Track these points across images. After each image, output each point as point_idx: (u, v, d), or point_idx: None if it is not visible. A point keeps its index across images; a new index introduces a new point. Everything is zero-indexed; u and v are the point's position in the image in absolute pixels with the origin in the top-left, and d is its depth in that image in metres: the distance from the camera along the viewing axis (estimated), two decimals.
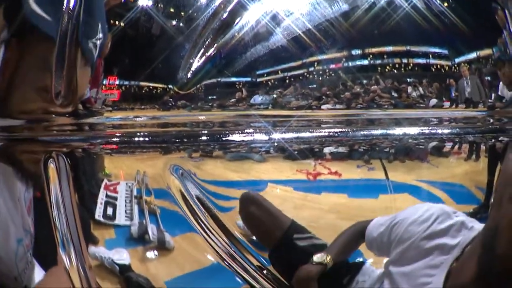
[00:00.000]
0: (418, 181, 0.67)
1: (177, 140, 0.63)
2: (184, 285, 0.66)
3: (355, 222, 0.67)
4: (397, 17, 0.64)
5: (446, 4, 0.65)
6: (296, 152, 0.64)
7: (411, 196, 0.67)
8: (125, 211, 0.65)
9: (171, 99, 0.63)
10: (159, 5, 0.63)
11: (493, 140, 0.67)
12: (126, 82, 0.63)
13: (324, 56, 0.64)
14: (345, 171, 0.65)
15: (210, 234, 0.65)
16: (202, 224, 0.65)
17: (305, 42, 0.63)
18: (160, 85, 0.63)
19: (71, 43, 0.59)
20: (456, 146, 0.67)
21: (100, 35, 0.60)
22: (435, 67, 0.66)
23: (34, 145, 0.62)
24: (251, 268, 0.66)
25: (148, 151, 0.64)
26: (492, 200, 0.66)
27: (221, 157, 0.64)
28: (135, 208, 0.66)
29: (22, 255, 0.66)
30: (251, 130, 0.63)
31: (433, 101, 0.66)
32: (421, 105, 0.66)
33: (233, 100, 0.64)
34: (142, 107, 0.63)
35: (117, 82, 0.63)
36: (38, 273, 0.67)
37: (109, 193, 0.65)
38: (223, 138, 0.63)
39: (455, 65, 0.66)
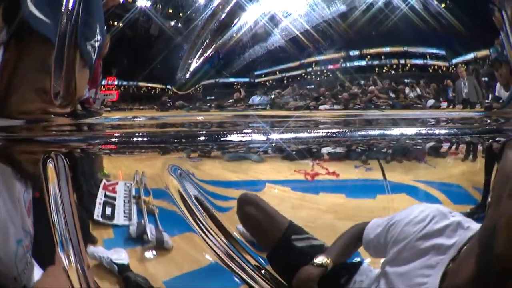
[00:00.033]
0: (416, 182, 0.67)
1: (175, 141, 0.64)
2: (183, 285, 0.67)
3: (352, 222, 0.67)
4: (394, 18, 0.64)
5: (443, 5, 0.65)
6: (294, 152, 0.64)
7: (408, 196, 0.67)
8: (124, 211, 0.66)
9: (169, 100, 0.63)
10: (158, 6, 0.63)
11: (490, 141, 0.67)
12: (125, 83, 0.63)
13: (322, 57, 0.64)
14: (343, 171, 0.65)
15: (208, 234, 0.65)
16: (201, 224, 0.65)
17: (303, 43, 0.63)
18: (159, 86, 0.63)
19: (69, 44, 0.59)
20: (453, 147, 0.67)
21: (99, 37, 0.61)
22: (432, 68, 0.66)
23: (33, 145, 0.63)
24: (249, 268, 0.66)
25: (146, 151, 0.64)
26: (489, 199, 0.66)
27: (219, 157, 0.64)
28: (134, 208, 0.66)
29: (22, 256, 0.66)
30: (249, 131, 0.64)
31: (431, 101, 0.66)
32: (419, 105, 0.66)
33: (231, 100, 0.64)
34: (141, 107, 0.64)
35: (115, 83, 0.63)
36: (38, 274, 0.67)
37: (107, 193, 0.65)
38: (221, 139, 0.63)
39: (453, 66, 0.66)
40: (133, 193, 0.65)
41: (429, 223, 0.63)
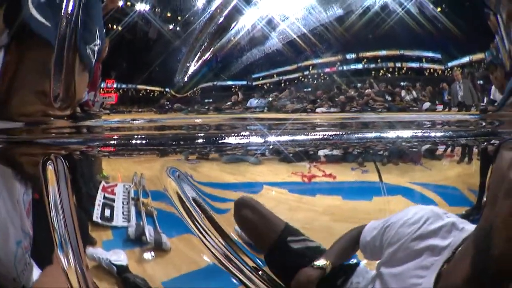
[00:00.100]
0: (412, 184, 0.67)
1: (174, 143, 0.64)
2: (181, 286, 0.67)
3: (349, 224, 0.67)
4: (391, 21, 0.64)
5: (439, 9, 0.65)
6: (291, 154, 0.64)
7: (404, 198, 0.67)
8: (123, 212, 0.66)
9: (168, 102, 0.63)
10: (156, 9, 0.63)
11: (485, 143, 0.67)
12: (124, 86, 0.63)
13: (319, 60, 0.64)
14: (340, 173, 0.66)
15: (206, 236, 0.65)
16: (199, 226, 0.65)
17: (300, 46, 0.63)
18: (157, 89, 0.63)
19: (69, 47, 0.59)
20: (449, 149, 0.67)
21: (98, 41, 0.61)
22: (428, 71, 0.66)
23: (32, 147, 0.63)
24: (247, 269, 0.66)
25: (145, 153, 0.65)
26: (484, 199, 0.66)
27: (217, 159, 0.65)
28: (132, 210, 0.66)
29: (21, 257, 0.66)
30: (246, 133, 0.64)
31: (426, 104, 0.66)
32: (415, 108, 0.66)
33: (229, 103, 0.64)
34: (140, 110, 0.64)
35: (114, 86, 0.63)
36: (36, 274, 0.67)
37: (106, 195, 0.66)
38: (219, 141, 0.64)
39: (448, 69, 0.66)
40: (132, 195, 0.66)
41: (423, 224, 0.63)
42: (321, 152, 0.65)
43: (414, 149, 0.67)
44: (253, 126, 0.64)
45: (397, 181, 0.67)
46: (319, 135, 0.65)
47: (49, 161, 0.62)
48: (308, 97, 0.65)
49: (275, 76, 0.64)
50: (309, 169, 0.65)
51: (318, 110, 0.65)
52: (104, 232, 0.66)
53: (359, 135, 0.65)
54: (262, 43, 0.63)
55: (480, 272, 0.57)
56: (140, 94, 0.63)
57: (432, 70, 0.66)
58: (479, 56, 0.67)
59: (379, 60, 0.65)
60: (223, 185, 0.66)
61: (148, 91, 0.63)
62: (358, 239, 0.68)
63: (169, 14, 0.64)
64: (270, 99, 0.64)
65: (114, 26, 0.62)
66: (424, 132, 0.66)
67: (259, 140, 0.64)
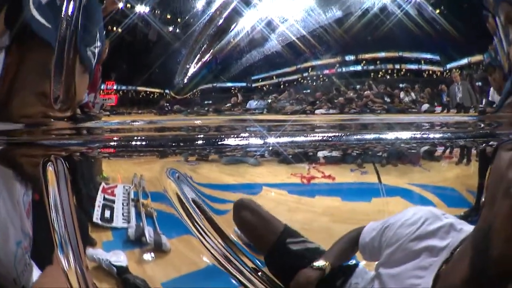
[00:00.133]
0: (410, 185, 0.67)
1: (173, 144, 0.64)
2: (181, 287, 0.67)
3: (348, 225, 0.68)
4: (389, 23, 0.64)
5: (438, 11, 0.65)
6: (290, 156, 0.64)
7: (403, 199, 0.67)
8: (123, 213, 0.66)
9: (167, 104, 0.64)
10: (156, 11, 0.63)
11: (483, 145, 0.67)
12: (124, 87, 0.64)
13: (318, 62, 0.64)
14: (339, 174, 0.66)
15: (206, 237, 0.66)
16: (198, 227, 0.65)
17: (299, 48, 0.63)
18: (157, 90, 0.64)
19: (69, 49, 0.59)
20: (448, 151, 0.68)
21: (98, 43, 0.61)
22: (427, 72, 0.66)
23: (33, 149, 0.63)
24: (246, 270, 0.67)
25: (145, 155, 0.65)
26: (482, 199, 0.66)
27: (217, 161, 0.65)
28: (132, 211, 0.66)
29: (21, 257, 0.66)
30: (246, 135, 0.64)
31: (425, 106, 0.66)
32: (413, 110, 0.66)
33: (228, 105, 0.64)
34: (139, 111, 0.64)
35: (114, 87, 0.63)
36: (36, 275, 0.67)
37: (106, 196, 0.66)
38: (219, 142, 0.64)
39: (447, 71, 0.67)
40: (132, 196, 0.66)
41: (422, 225, 0.63)
42: (320, 154, 0.66)
43: (413, 151, 0.67)
44: (253, 128, 0.64)
45: (396, 182, 0.67)
46: (318, 136, 0.65)
47: (50, 163, 0.62)
48: (307, 99, 0.65)
49: (274, 77, 0.64)
50: (308, 171, 0.65)
51: (317, 111, 0.65)
52: (104, 233, 0.66)
53: (358, 137, 0.65)
54: (262, 45, 0.63)
55: (479, 273, 0.57)
56: (140, 96, 0.64)
57: (430, 72, 0.66)
58: (477, 58, 0.68)
59: (378, 62, 0.66)
60: (223, 186, 0.66)
61: (148, 92, 0.64)
62: (357, 241, 0.68)
63: (168, 16, 0.64)
64: (270, 100, 0.65)
65: (114, 28, 0.63)
66: (423, 134, 0.66)
67: (259, 141, 0.64)
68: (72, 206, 0.63)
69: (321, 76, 0.64)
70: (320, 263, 0.66)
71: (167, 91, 0.64)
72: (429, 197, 0.68)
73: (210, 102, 0.64)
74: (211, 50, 0.63)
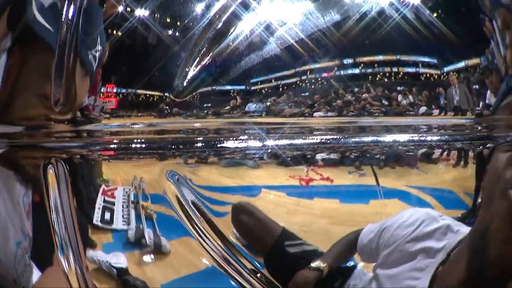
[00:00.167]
0: (408, 187, 0.67)
1: (173, 147, 0.64)
2: None
3: (346, 227, 0.68)
4: (387, 27, 0.64)
5: (435, 15, 0.65)
6: (289, 158, 0.65)
7: (401, 201, 0.67)
8: (122, 216, 0.66)
9: (167, 107, 0.64)
10: (156, 15, 0.63)
11: (480, 147, 0.67)
12: (124, 90, 0.64)
13: (317, 65, 0.64)
14: (337, 177, 0.66)
15: (205, 239, 0.66)
16: (198, 229, 0.66)
17: (298, 51, 0.64)
18: (157, 93, 0.64)
19: (69, 52, 0.60)
20: (445, 153, 0.68)
21: (99, 47, 0.62)
22: (424, 76, 0.67)
23: (34, 151, 0.63)
24: (245, 271, 0.67)
25: (144, 157, 0.65)
26: (479, 200, 0.66)
27: (216, 163, 0.65)
28: (132, 213, 0.66)
29: (21, 258, 0.66)
30: (245, 137, 0.64)
31: (423, 109, 0.67)
32: (411, 112, 0.66)
33: (227, 107, 0.65)
34: (139, 114, 0.64)
35: (114, 90, 0.63)
36: (36, 276, 0.67)
37: (106, 198, 0.66)
38: (218, 145, 0.64)
39: (444, 74, 0.67)
40: (132, 198, 0.66)
41: (418, 226, 0.64)
42: (318, 156, 0.66)
43: (410, 153, 0.67)
44: (252, 130, 0.64)
45: (393, 184, 0.67)
46: (317, 139, 0.65)
47: (50, 165, 0.63)
48: (306, 102, 0.65)
49: (273, 80, 0.64)
50: (306, 173, 0.66)
51: (315, 114, 0.65)
52: (104, 235, 0.67)
53: (356, 139, 0.65)
54: (260, 48, 0.64)
55: (476, 274, 0.57)
56: (140, 99, 0.64)
57: (428, 75, 0.67)
58: (474, 61, 0.68)
59: (376, 65, 0.66)
60: (222, 188, 0.66)
61: (147, 95, 0.64)
62: (356, 243, 0.68)
63: (168, 20, 0.64)
64: (268, 103, 0.65)
65: (114, 32, 0.63)
66: (420, 136, 0.66)
67: (258, 144, 0.64)
68: (73, 208, 0.63)
69: (319, 79, 0.65)
70: (318, 264, 0.66)
71: (166, 94, 0.64)
72: (427, 199, 0.68)
73: (209, 105, 0.64)
74: (210, 53, 0.64)
